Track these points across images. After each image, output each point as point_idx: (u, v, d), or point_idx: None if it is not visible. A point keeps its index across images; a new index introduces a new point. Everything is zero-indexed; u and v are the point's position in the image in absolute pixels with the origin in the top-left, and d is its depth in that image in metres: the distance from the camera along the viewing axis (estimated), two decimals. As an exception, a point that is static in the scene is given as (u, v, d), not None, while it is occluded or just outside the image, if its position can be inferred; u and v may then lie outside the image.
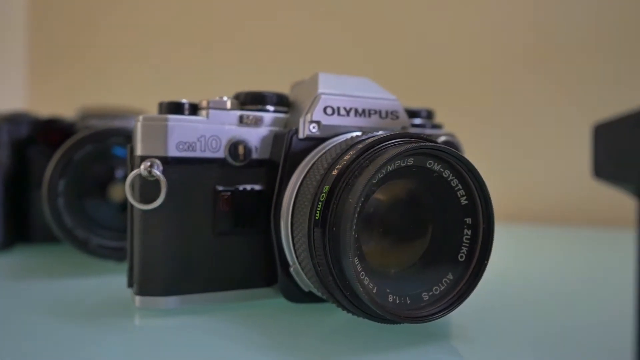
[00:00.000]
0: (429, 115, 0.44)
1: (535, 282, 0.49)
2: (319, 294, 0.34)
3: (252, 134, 0.38)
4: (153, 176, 0.35)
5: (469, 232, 0.32)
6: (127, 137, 0.48)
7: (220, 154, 0.37)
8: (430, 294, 0.32)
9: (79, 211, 0.49)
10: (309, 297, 0.36)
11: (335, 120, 0.37)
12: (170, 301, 0.36)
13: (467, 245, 0.32)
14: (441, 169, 0.32)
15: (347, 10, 1.00)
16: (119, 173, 0.51)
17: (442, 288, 0.32)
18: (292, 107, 0.39)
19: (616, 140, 0.19)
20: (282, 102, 0.39)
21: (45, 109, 0.70)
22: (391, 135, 0.32)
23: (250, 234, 0.37)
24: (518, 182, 0.89)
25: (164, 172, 0.35)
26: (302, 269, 0.33)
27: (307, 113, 0.36)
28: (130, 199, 0.35)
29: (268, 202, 0.37)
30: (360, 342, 0.32)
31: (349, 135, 0.35)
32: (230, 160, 0.37)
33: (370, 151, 0.31)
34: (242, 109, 0.38)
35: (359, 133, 0.35)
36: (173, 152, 0.36)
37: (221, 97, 0.38)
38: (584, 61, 0.87)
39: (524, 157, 0.91)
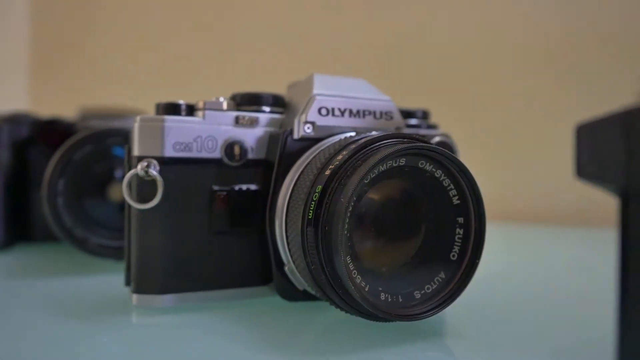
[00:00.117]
0: (425, 115, 0.45)
1: (526, 280, 0.49)
2: (313, 293, 0.34)
3: (248, 135, 0.38)
4: (150, 176, 0.35)
5: (461, 232, 0.33)
6: (126, 137, 0.49)
7: (217, 154, 0.37)
8: (422, 292, 0.32)
9: (79, 211, 0.49)
10: (303, 296, 0.36)
11: (329, 121, 0.37)
12: (167, 299, 0.36)
13: (459, 244, 0.33)
14: (433, 169, 0.32)
15: (346, 10, 1.01)
16: (118, 173, 0.52)
17: (434, 287, 0.32)
18: (287, 107, 0.40)
19: (597, 141, 0.19)
20: (277, 102, 0.40)
21: (46, 110, 0.71)
22: (384, 136, 0.32)
23: (246, 233, 0.38)
24: (509, 182, 0.90)
25: (160, 172, 0.35)
26: (296, 268, 0.34)
27: (301, 114, 0.37)
28: (128, 199, 0.36)
29: (263, 201, 0.37)
30: (353, 339, 0.32)
31: (342, 136, 0.36)
32: (226, 160, 0.37)
33: (362, 151, 0.31)
34: (238, 110, 0.38)
35: (352, 134, 0.36)
36: (170, 152, 0.36)
37: (217, 98, 0.38)
38: (574, 63, 0.88)
39: (515, 157, 0.92)
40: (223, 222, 0.37)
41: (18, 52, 1.16)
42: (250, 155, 0.38)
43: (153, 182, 0.35)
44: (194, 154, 0.37)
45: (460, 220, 0.33)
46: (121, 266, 0.38)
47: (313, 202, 0.31)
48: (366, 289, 0.30)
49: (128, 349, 0.31)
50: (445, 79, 0.94)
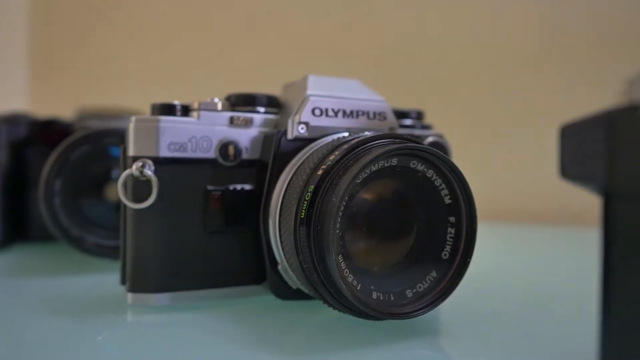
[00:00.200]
0: (419, 116, 0.45)
1: (517, 279, 0.50)
2: (307, 291, 0.35)
3: (243, 135, 0.39)
4: (145, 176, 0.36)
5: (453, 231, 0.33)
6: (122, 137, 0.49)
7: (211, 154, 0.38)
8: (414, 291, 0.32)
9: (75, 210, 0.50)
10: (297, 295, 0.37)
11: (323, 122, 0.37)
12: (162, 298, 0.37)
13: (451, 243, 0.33)
14: (425, 169, 0.32)
15: (345, 12, 1.01)
16: (115, 173, 0.52)
17: (426, 285, 0.33)
18: (282, 108, 0.40)
19: (580, 141, 0.19)
20: (272, 103, 0.40)
21: (46, 110, 0.71)
22: (376, 136, 0.33)
23: (241, 232, 0.38)
24: (501, 181, 0.90)
25: (155, 172, 0.36)
26: (289, 267, 0.34)
27: (295, 114, 0.37)
28: (123, 198, 0.36)
29: (258, 201, 0.37)
30: (345, 338, 0.32)
31: (336, 136, 0.36)
32: (220, 160, 0.38)
33: (354, 152, 0.31)
34: (232, 110, 0.39)
35: (346, 134, 0.36)
36: (164, 152, 0.36)
37: (212, 99, 0.38)
38: (565, 64, 0.89)
39: (507, 157, 0.92)
40: (217, 222, 0.38)
41: (17, 52, 1.16)
42: (245, 156, 0.38)
43: (148, 182, 0.36)
44: (188, 154, 0.37)
45: (452, 219, 0.33)
46: (117, 265, 0.39)
47: (305, 202, 0.31)
48: (358, 288, 0.31)
49: (123, 347, 0.32)
50: (441, 80, 0.94)
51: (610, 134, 0.18)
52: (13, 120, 0.58)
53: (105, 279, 0.45)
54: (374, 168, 0.31)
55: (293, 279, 0.36)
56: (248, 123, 0.39)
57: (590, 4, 0.88)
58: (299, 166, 0.35)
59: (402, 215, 0.34)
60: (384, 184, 0.33)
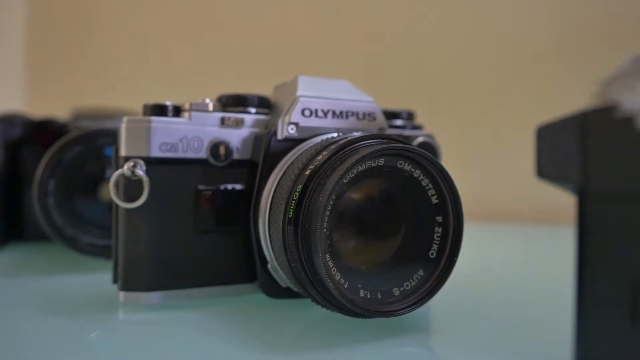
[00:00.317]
0: (410, 116, 0.45)
1: (502, 277, 0.50)
2: (296, 290, 0.35)
3: (234, 135, 0.39)
4: (136, 176, 0.36)
5: (440, 230, 0.34)
6: (116, 137, 0.50)
7: (202, 154, 0.38)
8: (401, 289, 0.33)
9: (69, 210, 0.50)
10: (287, 293, 0.37)
11: (313, 122, 0.38)
12: (153, 297, 0.37)
13: (438, 242, 0.34)
14: (412, 169, 0.33)
15: (344, 13, 1.01)
16: (109, 173, 0.53)
17: (413, 284, 0.33)
18: (273, 109, 0.40)
19: (555, 142, 0.20)
20: (263, 104, 0.40)
21: (43, 111, 0.71)
22: (363, 137, 0.33)
23: (232, 232, 0.39)
24: (490, 181, 0.91)
25: (147, 172, 0.36)
26: (279, 265, 0.35)
27: (285, 115, 0.38)
28: (114, 198, 0.36)
29: (248, 201, 0.38)
30: (334, 336, 0.33)
31: (325, 137, 0.37)
32: (211, 160, 0.38)
33: (342, 152, 0.32)
34: (224, 111, 0.39)
35: (335, 134, 0.37)
36: (156, 152, 0.37)
37: (203, 100, 0.39)
38: (550, 65, 0.89)
39: (498, 157, 0.93)
40: (208, 221, 0.38)
41: (14, 52, 1.16)
42: (236, 156, 0.39)
43: (139, 181, 0.36)
44: (179, 154, 0.37)
45: (439, 219, 0.34)
46: (111, 265, 0.39)
47: (293, 202, 0.31)
48: (345, 286, 0.31)
49: (114, 345, 0.32)
50: (433, 80, 0.95)
51: (584, 135, 0.19)
52: (8, 120, 0.58)
53: (98, 278, 0.45)
54: (361, 168, 0.31)
55: (282, 278, 0.36)
56: (239, 123, 0.39)
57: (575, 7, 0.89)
58: (288, 166, 0.35)
59: (390, 214, 0.35)
60: (372, 183, 0.34)
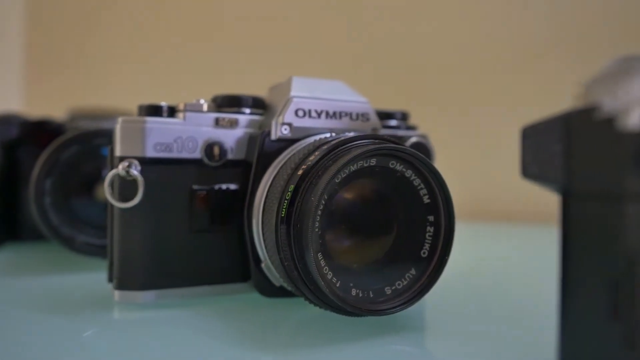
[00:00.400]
0: (404, 117, 0.46)
1: (493, 276, 0.51)
2: (289, 289, 0.36)
3: (228, 136, 0.39)
4: (131, 176, 0.36)
5: (432, 230, 0.34)
6: (112, 137, 0.50)
7: (197, 154, 0.38)
8: (393, 288, 0.33)
9: (66, 210, 0.50)
10: (280, 292, 0.37)
11: (306, 122, 0.38)
12: (148, 295, 0.37)
13: (430, 241, 0.34)
14: (404, 169, 0.33)
15: (335, 14, 1.02)
16: (105, 173, 0.53)
17: (405, 283, 0.33)
18: (267, 109, 0.41)
19: (539, 142, 0.20)
20: (257, 104, 0.41)
21: (41, 111, 0.72)
22: (355, 137, 0.33)
23: (226, 231, 0.39)
24: (482, 181, 0.92)
25: (141, 172, 0.36)
26: (272, 264, 0.35)
27: (279, 115, 0.38)
28: (109, 198, 0.37)
29: (242, 200, 0.38)
30: (326, 334, 0.33)
31: (318, 137, 0.37)
32: (206, 160, 0.39)
33: (334, 152, 0.32)
34: (218, 112, 0.40)
35: (328, 135, 0.37)
36: (150, 152, 0.37)
37: (198, 100, 0.39)
38: (543, 65, 0.90)
39: (488, 157, 0.93)
40: (203, 221, 0.38)
41: (13, 53, 1.17)
42: (230, 156, 0.39)
43: (134, 181, 0.36)
44: (174, 154, 0.38)
45: (431, 218, 0.34)
46: (107, 264, 0.39)
47: (286, 201, 0.32)
48: (337, 285, 0.31)
49: (109, 343, 0.32)
50: (428, 80, 0.96)
51: (567, 136, 0.19)
52: (5, 120, 0.59)
53: (94, 277, 0.45)
54: (353, 168, 0.31)
55: (276, 277, 0.36)
56: (233, 124, 0.39)
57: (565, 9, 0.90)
58: (282, 166, 0.36)
59: (382, 214, 0.35)
60: (364, 183, 0.34)
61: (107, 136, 0.51)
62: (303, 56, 1.01)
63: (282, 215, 0.32)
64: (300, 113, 0.38)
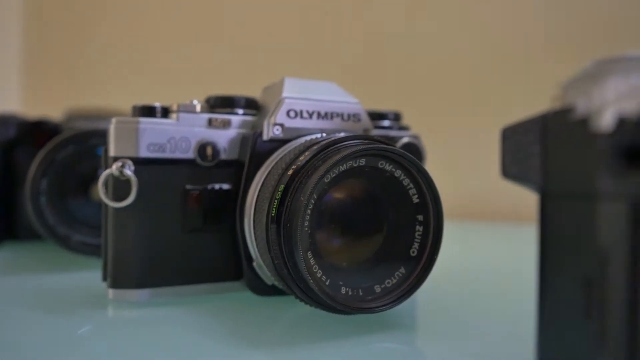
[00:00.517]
0: (396, 117, 0.46)
1: (481, 275, 0.51)
2: (281, 287, 0.36)
3: (221, 136, 0.40)
4: (125, 176, 0.37)
5: (421, 229, 0.34)
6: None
7: (190, 154, 0.39)
8: (383, 286, 0.34)
9: (61, 209, 0.51)
10: (272, 290, 0.38)
11: (298, 123, 0.39)
12: (142, 294, 0.38)
13: (419, 241, 0.34)
14: (393, 169, 0.34)
15: (337, 14, 1.02)
16: (101, 173, 0.53)
17: (394, 281, 0.34)
18: (260, 109, 0.41)
19: (518, 143, 0.20)
20: (250, 105, 0.41)
21: (40, 112, 0.72)
22: (345, 137, 0.34)
23: (219, 230, 0.39)
24: (472, 181, 0.92)
25: (135, 172, 0.37)
26: (263, 263, 0.35)
27: (271, 116, 0.38)
28: (103, 197, 0.37)
29: (235, 200, 0.39)
30: (317, 332, 0.33)
31: (309, 137, 0.37)
32: (199, 160, 0.39)
33: (323, 152, 0.33)
34: (211, 112, 0.40)
35: (319, 135, 0.37)
36: (144, 152, 0.38)
37: (191, 101, 0.40)
38: (535, 65, 0.90)
39: (479, 157, 0.94)
40: (196, 220, 0.39)
41: (11, 54, 1.17)
42: (223, 156, 0.40)
43: (128, 181, 0.37)
44: (167, 155, 0.38)
45: (420, 218, 0.34)
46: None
47: (276, 201, 0.32)
48: (327, 283, 0.32)
49: (103, 340, 0.33)
50: (422, 81, 0.96)
51: (544, 136, 0.19)
52: (2, 121, 0.59)
53: (89, 276, 0.46)
54: (342, 168, 0.32)
55: (267, 275, 0.37)
56: (226, 124, 0.40)
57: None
58: (273, 166, 0.36)
59: (372, 213, 0.35)
60: (353, 183, 0.34)
61: (103, 136, 0.51)
62: (299, 57, 1.02)
63: (273, 214, 0.32)
64: (292, 114, 0.39)
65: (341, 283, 0.32)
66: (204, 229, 0.39)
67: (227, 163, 0.40)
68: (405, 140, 0.43)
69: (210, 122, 0.39)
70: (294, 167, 0.33)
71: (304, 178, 0.32)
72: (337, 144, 0.33)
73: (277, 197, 0.32)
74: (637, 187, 0.15)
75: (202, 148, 0.39)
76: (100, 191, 0.37)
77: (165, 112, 0.39)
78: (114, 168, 0.37)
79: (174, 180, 0.39)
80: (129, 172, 0.37)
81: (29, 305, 0.39)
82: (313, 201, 0.31)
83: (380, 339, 0.33)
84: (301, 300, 0.33)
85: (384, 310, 0.33)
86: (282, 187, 0.32)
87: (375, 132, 0.42)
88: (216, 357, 0.30)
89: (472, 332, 0.34)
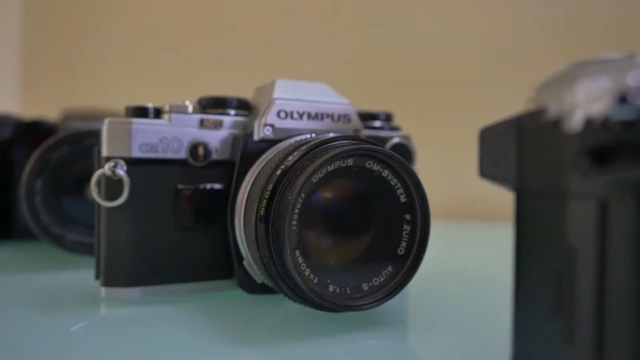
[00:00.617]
0: (388, 117, 0.47)
1: (467, 273, 0.52)
2: (270, 285, 0.36)
3: (213, 136, 0.40)
4: (117, 175, 0.37)
5: (408, 228, 0.35)
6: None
7: (182, 155, 0.39)
8: (370, 284, 0.34)
9: (56, 209, 0.51)
10: (262, 288, 0.38)
11: (288, 124, 0.39)
12: (134, 292, 0.38)
13: (406, 239, 0.35)
14: (380, 169, 0.34)
15: (334, 14, 1.03)
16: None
17: (382, 279, 0.34)
18: (252, 110, 0.42)
19: (495, 144, 0.21)
20: (242, 106, 0.42)
21: (37, 113, 0.73)
22: (334, 138, 0.34)
23: (210, 229, 0.40)
24: (464, 181, 0.93)
25: (127, 172, 0.38)
26: (253, 261, 0.36)
27: (261, 117, 0.39)
28: (96, 197, 0.38)
29: (226, 200, 0.39)
30: (305, 329, 0.34)
31: (298, 138, 0.38)
32: (191, 160, 0.40)
33: (312, 152, 0.33)
34: (203, 113, 0.41)
35: (308, 136, 0.38)
36: (136, 153, 0.38)
37: (183, 102, 0.40)
38: (530, 66, 0.91)
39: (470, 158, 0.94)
40: (188, 220, 0.39)
41: (9, 55, 1.17)
42: (215, 156, 0.40)
43: (120, 181, 0.37)
44: (159, 155, 0.39)
45: (408, 217, 0.35)
46: (95, 262, 0.40)
47: (265, 200, 0.33)
48: (315, 281, 0.32)
49: (95, 338, 0.33)
50: (416, 81, 0.97)
51: (519, 137, 0.20)
52: (-2, 121, 0.60)
53: (83, 275, 0.46)
54: (330, 168, 0.32)
55: (257, 274, 0.37)
56: (218, 125, 0.40)
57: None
58: (263, 166, 0.37)
59: (360, 213, 0.36)
60: (341, 183, 0.35)
61: (98, 136, 0.51)
62: (294, 58, 1.02)
63: (261, 213, 0.33)
64: (283, 114, 0.39)
65: (329, 281, 0.33)
66: (195, 228, 0.40)
67: (219, 163, 0.40)
68: (395, 140, 0.43)
69: (202, 123, 0.40)
70: (282, 167, 0.33)
71: (292, 178, 0.32)
72: (326, 144, 0.34)
73: (266, 197, 0.33)
74: (603, 186, 0.16)
75: (193, 148, 0.40)
76: (92, 191, 0.38)
77: (158, 113, 0.40)
78: (107, 168, 0.37)
79: (166, 180, 0.39)
80: (121, 172, 0.37)
81: (22, 303, 0.39)
82: (301, 200, 0.32)
83: (368, 336, 0.33)
84: (290, 298, 0.34)
85: (371, 308, 0.33)
86: (270, 186, 0.33)
87: (366, 133, 0.42)
88: (207, 355, 0.31)
89: (459, 329, 0.35)
